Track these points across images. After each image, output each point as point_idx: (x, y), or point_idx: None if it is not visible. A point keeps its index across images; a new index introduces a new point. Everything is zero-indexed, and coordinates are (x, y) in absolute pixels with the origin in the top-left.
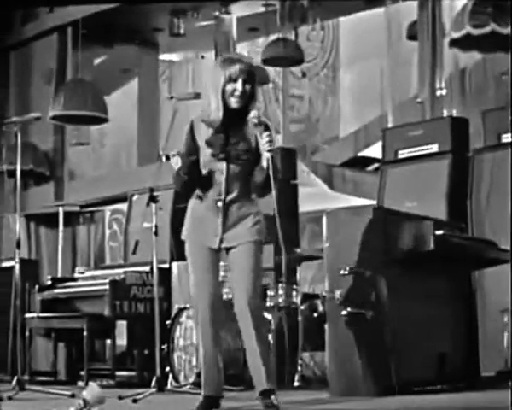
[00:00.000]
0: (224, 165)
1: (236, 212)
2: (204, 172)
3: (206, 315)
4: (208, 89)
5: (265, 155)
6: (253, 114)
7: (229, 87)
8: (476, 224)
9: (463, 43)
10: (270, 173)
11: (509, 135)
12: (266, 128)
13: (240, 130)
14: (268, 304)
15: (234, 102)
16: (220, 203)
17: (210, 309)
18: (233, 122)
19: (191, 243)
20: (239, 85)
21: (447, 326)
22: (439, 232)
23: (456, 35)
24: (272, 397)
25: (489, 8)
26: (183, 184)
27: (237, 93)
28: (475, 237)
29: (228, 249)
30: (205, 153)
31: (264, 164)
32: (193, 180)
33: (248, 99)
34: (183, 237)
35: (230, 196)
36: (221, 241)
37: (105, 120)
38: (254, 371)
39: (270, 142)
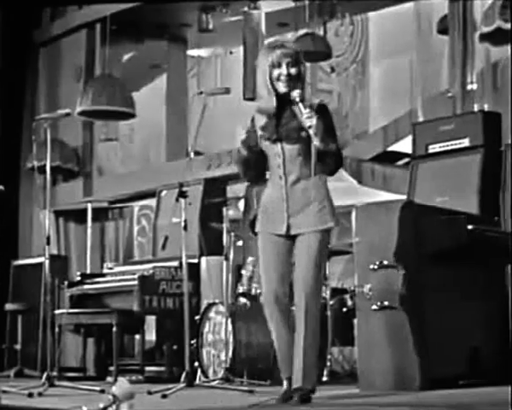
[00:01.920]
0: (278, 146)
1: (302, 195)
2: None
3: (272, 310)
4: (258, 79)
5: (310, 132)
6: (295, 93)
7: (275, 72)
8: (509, 218)
9: (494, 38)
10: (313, 152)
11: None
12: (304, 104)
13: (291, 111)
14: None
15: (282, 87)
16: (283, 186)
17: (275, 303)
18: (284, 105)
19: (261, 233)
20: (283, 70)
21: (480, 321)
22: (472, 227)
23: (486, 29)
24: (298, 396)
25: None
26: (243, 162)
27: (283, 77)
28: (508, 232)
29: (294, 237)
30: (262, 140)
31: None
32: (253, 160)
33: (296, 81)
34: (256, 230)
35: (291, 178)
36: (288, 227)
37: (133, 116)
38: (294, 367)
39: (309, 117)
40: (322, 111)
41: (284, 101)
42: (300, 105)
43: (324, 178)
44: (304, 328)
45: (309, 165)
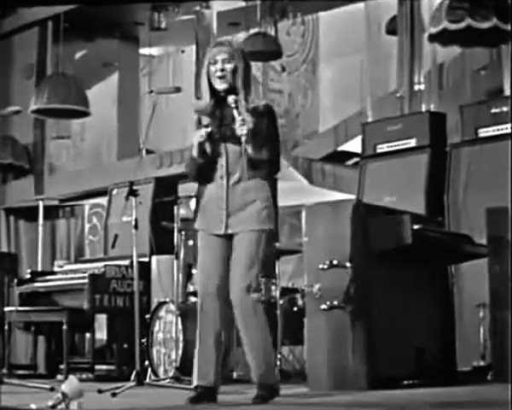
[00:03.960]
0: (222, 146)
1: (242, 196)
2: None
3: (209, 308)
4: (201, 79)
5: (242, 139)
6: (231, 98)
7: (212, 69)
8: (453, 218)
9: (441, 38)
10: (244, 159)
11: (487, 130)
12: (239, 111)
13: (230, 108)
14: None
15: (218, 84)
16: (224, 186)
17: (213, 301)
18: (225, 103)
19: (200, 231)
20: (219, 65)
21: (425, 321)
22: (417, 227)
23: (434, 30)
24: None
25: (465, 4)
26: (197, 168)
27: (218, 73)
28: (452, 232)
29: (231, 236)
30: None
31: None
32: (206, 165)
33: (233, 79)
34: (195, 227)
35: (233, 178)
36: (226, 226)
37: (87, 114)
38: (248, 364)
39: (242, 125)
40: (265, 114)
41: (224, 98)
42: (235, 111)
43: (264, 178)
44: (243, 326)
45: (250, 163)
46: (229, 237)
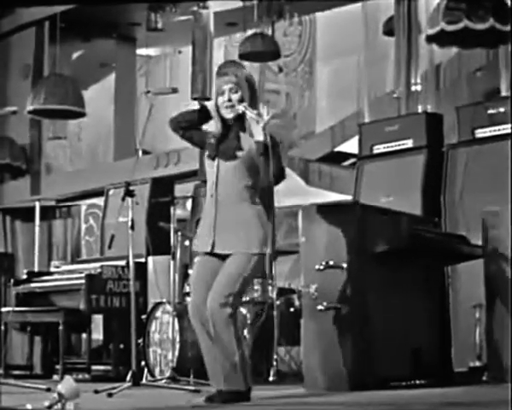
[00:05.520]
0: (215, 163)
1: (231, 216)
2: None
3: (195, 323)
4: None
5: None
6: (241, 106)
7: (220, 100)
8: (449, 219)
9: (439, 40)
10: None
11: (484, 130)
12: (251, 111)
13: (235, 133)
14: (244, 299)
15: (226, 114)
16: (213, 205)
17: (196, 316)
18: (230, 128)
19: (194, 246)
20: (226, 96)
21: (421, 322)
22: (414, 227)
23: (431, 31)
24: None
25: (462, 5)
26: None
27: (225, 104)
28: (448, 233)
29: (225, 257)
30: (205, 158)
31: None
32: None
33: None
34: (193, 248)
35: (222, 197)
36: (213, 245)
37: (83, 115)
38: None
39: (259, 115)
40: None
41: (229, 125)
42: (247, 112)
43: (259, 203)
44: (215, 337)
45: (242, 185)
46: (219, 257)
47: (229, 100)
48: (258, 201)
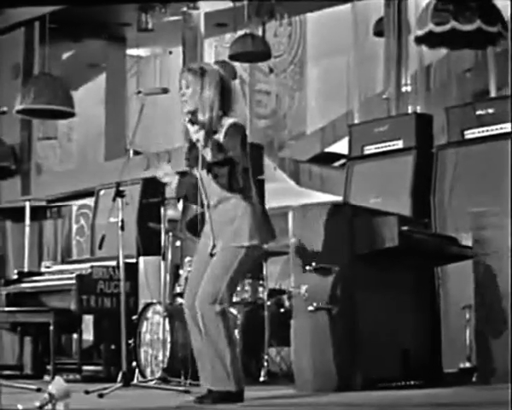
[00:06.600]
0: (198, 172)
1: (222, 217)
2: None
3: (187, 319)
4: None
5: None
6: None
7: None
8: (439, 219)
9: (428, 41)
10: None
11: (473, 131)
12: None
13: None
14: (234, 299)
15: (189, 125)
16: (206, 210)
17: (189, 313)
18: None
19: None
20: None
21: (411, 323)
22: (403, 228)
23: (420, 32)
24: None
25: (450, 6)
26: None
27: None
28: (438, 234)
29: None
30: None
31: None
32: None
33: (193, 103)
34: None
35: (212, 201)
36: (213, 247)
37: (72, 115)
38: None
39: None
40: (229, 132)
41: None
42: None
43: (248, 199)
44: (204, 333)
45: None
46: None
47: (183, 95)
48: (244, 196)
